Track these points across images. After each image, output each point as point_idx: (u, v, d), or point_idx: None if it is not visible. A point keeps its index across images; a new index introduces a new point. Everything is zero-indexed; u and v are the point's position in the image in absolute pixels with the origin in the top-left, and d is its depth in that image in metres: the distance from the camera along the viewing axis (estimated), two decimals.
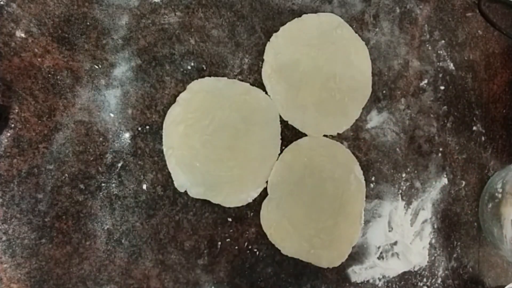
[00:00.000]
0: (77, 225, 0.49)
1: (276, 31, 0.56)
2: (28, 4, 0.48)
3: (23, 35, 0.48)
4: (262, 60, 0.55)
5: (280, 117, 0.55)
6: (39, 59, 0.48)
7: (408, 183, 0.61)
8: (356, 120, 0.58)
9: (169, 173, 0.51)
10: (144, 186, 0.51)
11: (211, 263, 0.53)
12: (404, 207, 0.61)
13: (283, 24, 0.56)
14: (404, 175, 0.61)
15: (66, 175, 0.48)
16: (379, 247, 0.59)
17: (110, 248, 0.50)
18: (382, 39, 0.61)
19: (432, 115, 0.63)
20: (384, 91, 0.61)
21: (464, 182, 0.65)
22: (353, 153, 0.58)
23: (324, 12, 0.58)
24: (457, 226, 0.64)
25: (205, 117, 0.52)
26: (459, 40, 0.65)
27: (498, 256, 0.66)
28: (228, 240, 0.53)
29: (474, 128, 0.66)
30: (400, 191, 0.61)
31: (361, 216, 0.58)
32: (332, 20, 0.58)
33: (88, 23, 0.50)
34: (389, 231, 0.60)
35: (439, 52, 0.64)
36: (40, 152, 0.48)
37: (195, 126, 0.52)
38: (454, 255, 0.64)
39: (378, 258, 0.59)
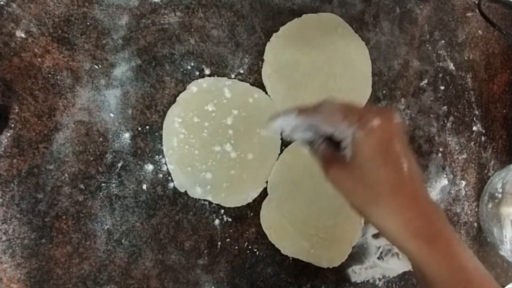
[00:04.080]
0: (77, 225, 0.49)
1: (276, 31, 0.56)
2: (28, 4, 0.48)
3: (23, 35, 0.48)
4: (262, 60, 0.55)
5: None
6: (39, 59, 0.48)
7: None
8: None
9: (169, 173, 0.51)
10: (144, 186, 0.51)
11: (211, 263, 0.53)
12: None
13: (283, 24, 0.56)
14: None
15: (66, 175, 0.48)
16: (379, 247, 0.59)
17: (110, 248, 0.50)
18: (382, 39, 0.61)
19: (432, 115, 0.63)
20: (384, 91, 0.61)
21: (464, 182, 0.65)
22: None
23: (324, 12, 0.58)
24: (457, 226, 0.64)
25: (205, 117, 0.52)
26: (459, 40, 0.65)
27: (498, 256, 0.66)
28: (228, 240, 0.53)
29: (474, 128, 0.66)
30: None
31: (361, 216, 0.57)
32: (332, 20, 0.58)
33: (88, 23, 0.50)
34: None
35: (439, 52, 0.64)
36: (40, 152, 0.48)
37: (195, 126, 0.52)
38: None
39: (378, 258, 0.59)
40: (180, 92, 0.52)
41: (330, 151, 0.39)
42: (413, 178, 0.35)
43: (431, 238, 0.34)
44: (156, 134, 0.52)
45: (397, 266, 0.60)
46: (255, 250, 0.54)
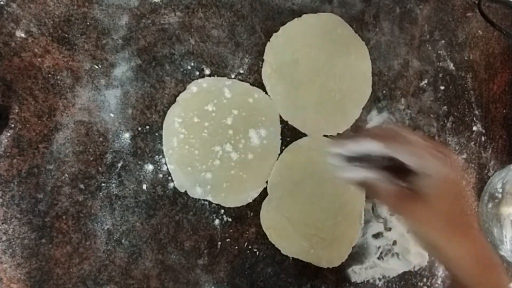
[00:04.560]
0: (77, 225, 0.49)
1: (276, 31, 0.56)
2: (28, 4, 0.48)
3: (23, 35, 0.48)
4: (262, 60, 0.55)
5: (280, 117, 0.55)
6: (39, 59, 0.48)
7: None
8: (356, 120, 0.58)
9: (169, 173, 0.51)
10: (144, 186, 0.51)
11: (211, 263, 0.53)
12: None
13: (283, 24, 0.56)
14: None
15: (66, 175, 0.48)
16: (379, 247, 0.59)
17: (110, 248, 0.50)
18: (382, 39, 0.61)
19: (432, 115, 0.63)
20: (384, 91, 0.61)
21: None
22: None
23: (324, 12, 0.58)
24: None
25: (205, 117, 0.52)
26: (459, 40, 0.65)
27: (498, 256, 0.66)
28: (228, 240, 0.53)
29: (474, 128, 0.66)
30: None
31: (361, 216, 0.57)
32: (332, 20, 0.58)
33: (88, 23, 0.50)
34: (388, 230, 0.60)
35: (439, 52, 0.64)
36: (40, 152, 0.48)
37: (195, 126, 0.52)
38: None
39: (378, 258, 0.59)
40: (180, 92, 0.52)
41: (400, 187, 0.39)
42: (472, 210, 0.39)
43: (490, 264, 0.39)
44: (156, 134, 0.52)
45: (397, 266, 0.60)
46: (255, 250, 0.54)
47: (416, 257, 0.60)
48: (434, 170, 0.37)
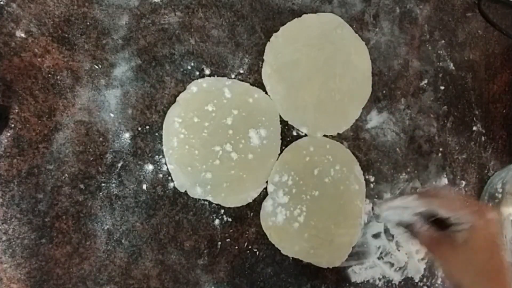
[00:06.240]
0: (77, 225, 0.49)
1: (276, 31, 0.56)
2: (28, 4, 0.48)
3: (23, 35, 0.48)
4: (262, 60, 0.55)
5: (280, 117, 0.55)
6: (39, 59, 0.48)
7: (408, 183, 0.61)
8: (356, 120, 0.58)
9: (169, 173, 0.51)
10: (144, 186, 0.51)
11: (211, 263, 0.53)
12: None
13: (283, 24, 0.56)
14: (404, 175, 0.61)
15: (66, 175, 0.48)
16: (379, 247, 0.59)
17: (110, 248, 0.50)
18: (382, 39, 0.61)
19: (432, 115, 0.63)
20: (384, 91, 0.61)
21: (464, 182, 0.65)
22: (353, 153, 0.58)
23: (324, 12, 0.58)
24: None
25: (205, 117, 0.52)
26: (459, 40, 0.65)
27: None
28: (228, 240, 0.53)
29: (474, 128, 0.66)
30: (400, 191, 0.61)
31: (361, 216, 0.58)
32: (332, 20, 0.58)
33: (88, 23, 0.50)
34: (388, 230, 0.60)
35: (439, 52, 0.64)
36: (40, 152, 0.48)
37: (195, 126, 0.52)
38: None
39: (378, 258, 0.59)
40: (180, 92, 0.52)
41: (435, 231, 0.43)
42: (507, 264, 0.41)
43: None
44: (156, 134, 0.52)
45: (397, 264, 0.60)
46: (255, 250, 0.54)
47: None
48: (469, 223, 0.40)
